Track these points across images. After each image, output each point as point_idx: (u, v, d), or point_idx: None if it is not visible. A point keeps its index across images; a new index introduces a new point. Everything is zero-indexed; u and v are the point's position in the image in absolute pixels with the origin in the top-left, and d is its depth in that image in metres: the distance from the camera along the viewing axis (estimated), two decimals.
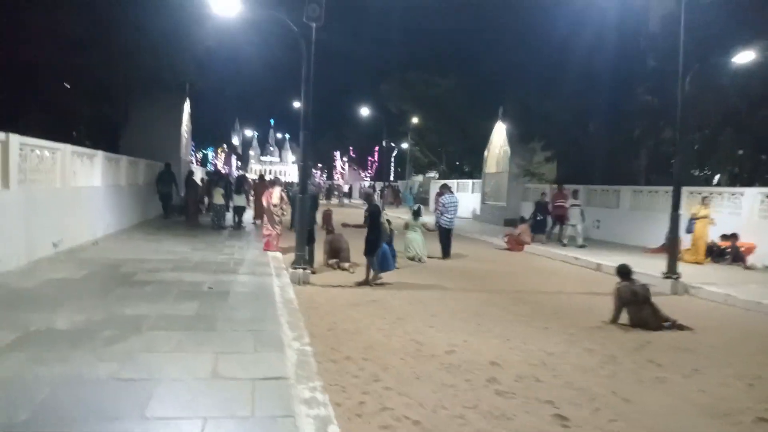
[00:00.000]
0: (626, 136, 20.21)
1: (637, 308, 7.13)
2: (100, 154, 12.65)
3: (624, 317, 7.24)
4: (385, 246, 9.53)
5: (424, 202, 38.52)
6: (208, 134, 57.78)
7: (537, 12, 22.28)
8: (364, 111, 39.25)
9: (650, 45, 18.33)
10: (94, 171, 12.43)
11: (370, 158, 61.69)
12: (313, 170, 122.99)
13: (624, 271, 7.42)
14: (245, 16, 10.78)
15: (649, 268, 10.65)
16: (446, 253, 13.55)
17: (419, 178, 52.22)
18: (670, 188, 16.69)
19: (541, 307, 8.26)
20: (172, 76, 20.17)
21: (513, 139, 25.21)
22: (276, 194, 11.97)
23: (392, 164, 55.15)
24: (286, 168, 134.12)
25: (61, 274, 7.93)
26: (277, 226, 12.05)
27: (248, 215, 19.39)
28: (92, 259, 9.35)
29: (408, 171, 48.67)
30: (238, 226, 17.11)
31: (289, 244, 13.18)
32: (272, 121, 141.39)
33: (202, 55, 20.86)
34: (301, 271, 8.74)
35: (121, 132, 21.19)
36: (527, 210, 23.57)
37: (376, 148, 56.49)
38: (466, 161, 32.61)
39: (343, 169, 72.64)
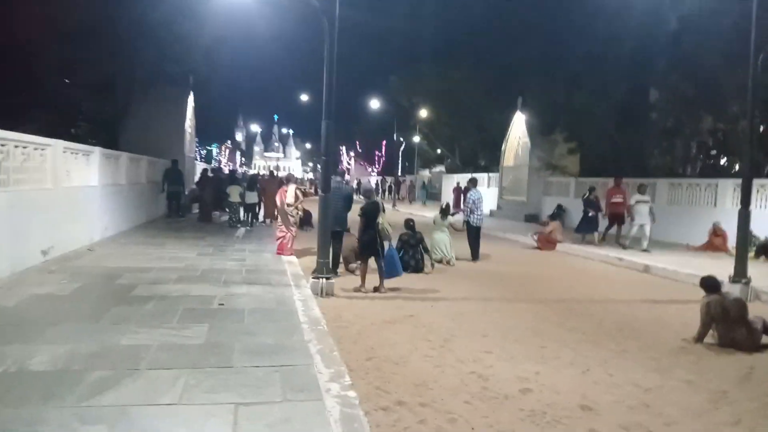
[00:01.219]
0: (658, 127, 18.95)
1: (728, 327, 5.99)
2: (96, 151, 11.56)
3: (708, 333, 6.13)
4: (392, 250, 8.40)
5: (434, 197, 37.36)
6: (213, 130, 56.84)
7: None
8: (373, 104, 38.07)
9: (684, 26, 17.04)
10: (90, 169, 11.35)
11: (377, 153, 60.50)
12: (340, 167, 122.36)
13: (711, 284, 6.27)
14: None
15: (702, 268, 9.48)
16: (476, 254, 12.42)
17: (426, 172, 51.05)
18: (712, 181, 15.62)
19: (601, 322, 7.12)
20: (176, 66, 19.07)
21: (533, 131, 24.03)
22: (291, 192, 10.85)
23: (400, 159, 54.02)
24: (290, 164, 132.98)
25: (47, 289, 6.84)
26: (292, 228, 10.93)
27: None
28: (86, 269, 8.26)
29: (416, 165, 47.49)
30: (251, 224, 16.61)
31: (304, 246, 12.14)
32: (276, 117, 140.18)
33: (207, 44, 19.74)
34: (323, 281, 7.62)
35: (121, 127, 20.08)
36: (550, 205, 22.39)
37: (384, 143, 55.36)
38: (482, 155, 31.41)
39: (349, 164, 71.45)
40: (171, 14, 16.54)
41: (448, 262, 11.47)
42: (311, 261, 10.42)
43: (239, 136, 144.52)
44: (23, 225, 7.84)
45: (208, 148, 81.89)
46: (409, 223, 10.70)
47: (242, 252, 11.05)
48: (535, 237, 14.87)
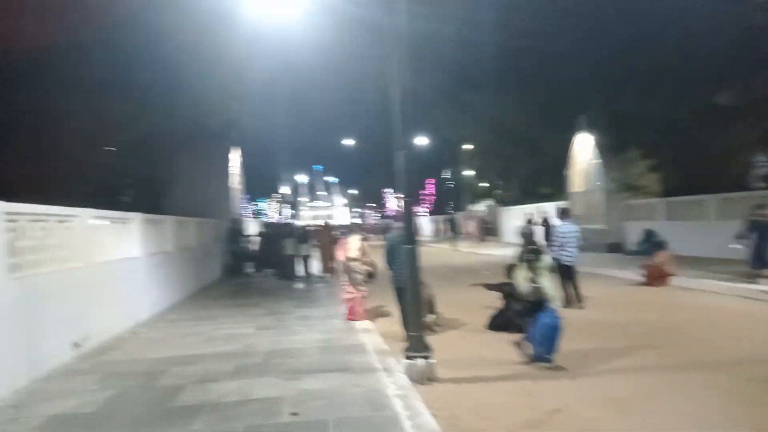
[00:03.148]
0: (755, 132, 16.50)
1: None
2: (137, 218, 10.26)
3: None
4: (555, 317, 6.32)
5: (491, 232, 34.99)
6: (259, 185, 56.86)
7: (615, 3, 19.13)
8: (418, 141, 36.67)
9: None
10: (130, 238, 10.02)
11: (421, 192, 58.95)
12: (364, 210, 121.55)
13: None
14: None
15: None
16: (579, 297, 10.32)
17: (481, 206, 48.90)
18: None
19: None
20: (216, 119, 18.11)
21: (603, 150, 21.83)
22: (354, 245, 9.15)
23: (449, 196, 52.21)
24: (337, 212, 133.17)
25: (70, 403, 5.25)
26: (361, 288, 9.18)
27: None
28: (124, 365, 6.68)
29: (465, 201, 45.42)
30: (308, 276, 16.20)
31: (373, 304, 10.37)
32: (321, 168, 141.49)
33: (245, 93, 18.78)
34: (422, 361, 5.76)
35: (164, 190, 19.17)
36: (634, 231, 19.92)
37: (432, 181, 53.78)
38: (542, 182, 29.22)
39: (398, 206, 70.06)
40: (206, 66, 15.61)
41: None
42: (390, 324, 8.66)
43: (285, 189, 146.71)
44: (45, 316, 6.39)
45: (256, 203, 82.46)
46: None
47: (307, 320, 9.34)
48: (643, 271, 12.59)
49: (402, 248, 8.17)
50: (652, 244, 18.70)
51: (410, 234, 5.90)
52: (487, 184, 45.08)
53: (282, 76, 23.66)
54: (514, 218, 31.38)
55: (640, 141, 19.41)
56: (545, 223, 22.79)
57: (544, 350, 6.19)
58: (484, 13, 23.34)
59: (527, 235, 7.52)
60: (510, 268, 8.71)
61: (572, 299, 10.28)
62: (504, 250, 24.81)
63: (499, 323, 8.32)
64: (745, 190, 16.05)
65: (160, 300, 11.07)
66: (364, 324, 8.65)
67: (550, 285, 9.46)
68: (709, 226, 16.93)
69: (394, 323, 8.74)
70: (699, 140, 16.94)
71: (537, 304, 6.26)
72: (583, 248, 10.58)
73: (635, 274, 13.19)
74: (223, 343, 7.68)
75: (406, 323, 8.00)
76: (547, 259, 10.08)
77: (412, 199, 6.00)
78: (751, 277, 10.96)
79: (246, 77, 17.67)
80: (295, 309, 10.59)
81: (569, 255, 10.13)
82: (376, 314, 9.89)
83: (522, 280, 8.86)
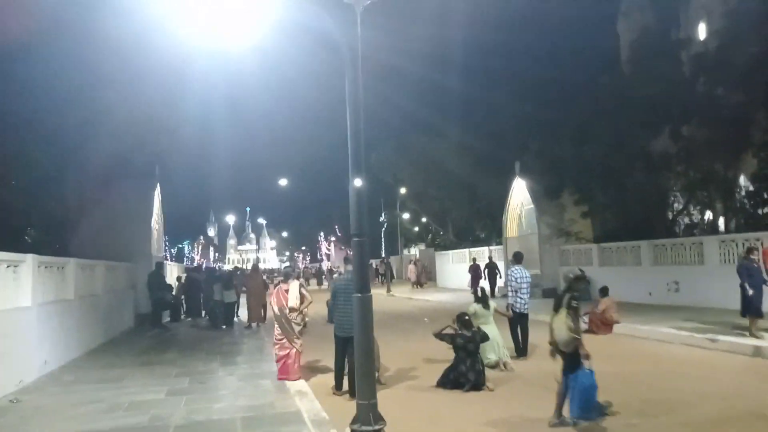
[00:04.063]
0: (685, 180, 17.05)
1: None
2: (28, 260, 8.71)
3: None
4: (591, 375, 5.50)
5: (430, 277, 34.51)
6: (184, 226, 54.18)
7: (554, 52, 19.73)
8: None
9: (700, 67, 15.60)
10: (19, 285, 8.46)
11: None
12: (295, 254, 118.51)
13: None
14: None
15: None
16: (524, 348, 9.72)
17: (414, 251, 48.59)
18: None
19: None
20: (139, 156, 16.60)
21: (538, 196, 22.01)
22: (294, 293, 8.07)
23: (382, 239, 51.71)
24: (265, 255, 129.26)
25: None
26: (297, 341, 8.08)
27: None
28: None
29: (401, 245, 45.01)
30: (230, 324, 15.17)
31: (312, 358, 9.30)
32: (248, 209, 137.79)
33: (174, 127, 17.45)
34: None
35: (73, 230, 17.20)
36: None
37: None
38: (478, 226, 29.26)
39: (328, 250, 68.79)
40: (131, 96, 14.31)
41: (504, 366, 8.70)
42: (326, 383, 7.63)
43: (211, 231, 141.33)
44: None
45: (180, 245, 78.45)
46: (464, 318, 7.96)
47: (229, 381, 8.07)
48: (585, 318, 12.22)
49: (351, 296, 7.32)
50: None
51: (363, 280, 4.99)
52: (417, 229, 44.92)
53: (216, 114, 22.55)
54: (450, 262, 31.11)
55: (575, 186, 19.67)
56: (489, 266, 22.15)
57: (583, 412, 5.43)
58: (422, 58, 23.48)
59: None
60: (461, 318, 8.00)
61: (524, 349, 9.67)
62: (441, 296, 24.25)
63: (451, 380, 7.48)
64: (677, 236, 16.41)
65: (53, 357, 9.41)
66: (299, 385, 7.53)
67: (495, 332, 8.82)
68: (642, 272, 17.13)
69: (331, 381, 7.71)
70: (633, 186, 17.32)
71: (574, 362, 5.48)
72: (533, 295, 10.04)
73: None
74: (125, 414, 6.31)
75: (352, 385, 7.02)
76: (493, 306, 9.51)
77: (364, 239, 5.12)
78: (744, 329, 9.88)
79: (176, 112, 16.48)
80: (217, 367, 9.24)
81: (524, 302, 9.56)
82: (311, 370, 8.80)
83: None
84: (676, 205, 18.24)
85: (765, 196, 15.11)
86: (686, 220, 18.05)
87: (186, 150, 22.59)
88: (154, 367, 9.36)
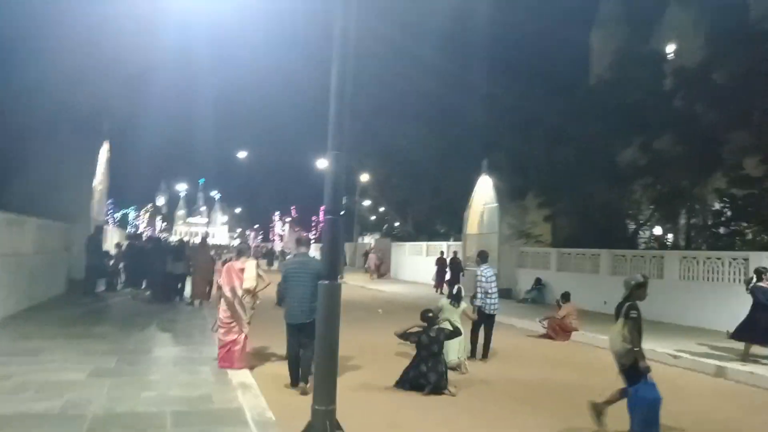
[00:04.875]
0: (651, 193, 17.01)
1: None
2: None
3: None
4: (655, 390, 4.97)
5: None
6: (132, 192, 51.66)
7: (531, 50, 19.34)
8: (315, 164, 35.09)
9: (679, 82, 15.51)
10: None
11: (314, 218, 57.13)
12: (247, 231, 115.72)
13: None
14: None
15: None
16: (486, 351, 9.26)
17: (370, 239, 47.98)
18: (738, 254, 13.29)
19: None
20: (85, 105, 15.15)
21: (502, 195, 21.69)
22: (251, 272, 7.21)
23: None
24: (216, 230, 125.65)
25: None
26: (246, 325, 7.27)
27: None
28: None
29: (356, 232, 44.33)
30: (179, 301, 14.35)
31: (260, 344, 8.52)
32: (202, 181, 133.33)
33: (129, 76, 16.01)
34: None
35: (6, 183, 15.66)
36: (525, 278, 19.76)
37: (323, 207, 52.18)
38: (439, 220, 28.87)
39: (282, 230, 67.35)
40: (83, 35, 12.90)
41: (460, 368, 8.17)
42: (275, 375, 6.92)
43: (161, 200, 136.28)
44: None
45: (125, 211, 75.04)
46: (428, 315, 7.32)
47: (163, 364, 7.20)
48: (545, 323, 11.91)
49: (302, 281, 6.59)
50: (541, 293, 18.76)
51: (332, 265, 4.26)
52: (375, 217, 44.16)
53: (180, 73, 21.10)
54: (406, 254, 30.64)
55: (540, 188, 19.43)
56: (454, 262, 21.15)
57: (646, 427, 4.92)
58: (397, 43, 22.66)
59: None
60: (425, 315, 7.38)
61: (486, 351, 9.20)
62: (395, 287, 23.75)
63: (410, 379, 6.88)
64: (637, 248, 16.36)
65: None
66: (242, 375, 6.74)
67: (462, 329, 8.30)
68: (599, 281, 17.02)
69: (279, 372, 6.98)
70: (599, 194, 17.17)
71: (633, 375, 4.93)
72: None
73: (534, 324, 12.56)
74: (36, 397, 5.39)
75: (303, 374, 6.35)
76: (463, 306, 8.98)
77: (338, 217, 4.40)
78: (706, 347, 9.61)
79: (131, 58, 14.97)
80: (151, 347, 8.32)
81: (493, 303, 9.06)
82: (257, 358, 8.02)
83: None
84: (639, 217, 18.22)
85: (728, 214, 15.20)
86: (647, 233, 18.08)
87: (141, 111, 20.99)
88: (80, 341, 8.35)
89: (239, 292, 7.17)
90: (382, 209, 40.69)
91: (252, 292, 7.16)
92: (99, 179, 20.03)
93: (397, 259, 31.74)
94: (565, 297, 12.13)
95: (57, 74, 13.20)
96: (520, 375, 8.26)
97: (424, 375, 6.77)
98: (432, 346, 6.87)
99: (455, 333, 7.32)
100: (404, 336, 7.18)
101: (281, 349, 7.28)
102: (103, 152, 20.10)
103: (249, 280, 7.11)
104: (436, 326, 7.25)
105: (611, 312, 5.36)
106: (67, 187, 16.86)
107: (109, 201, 29.73)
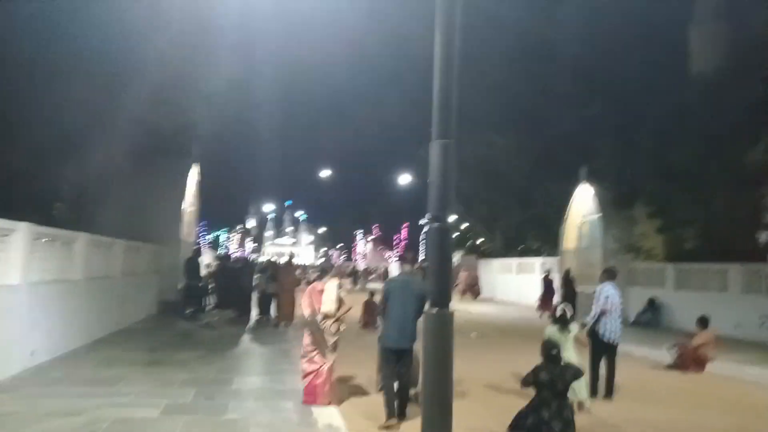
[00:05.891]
0: None
1: None
2: (21, 229, 7.32)
3: None
4: None
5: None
6: (224, 214, 53.69)
7: (630, 46, 17.45)
8: (398, 181, 34.44)
9: None
10: (7, 258, 7.08)
11: (396, 236, 56.55)
12: (330, 251, 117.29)
13: None
14: None
15: None
16: (611, 387, 7.75)
17: (455, 257, 46.50)
18: None
19: None
20: (175, 129, 15.28)
21: (606, 205, 19.76)
22: (331, 294, 6.35)
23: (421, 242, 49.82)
24: (302, 250, 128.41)
25: None
26: (330, 355, 6.38)
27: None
28: None
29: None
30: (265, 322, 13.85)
31: (346, 373, 7.62)
32: (289, 202, 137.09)
33: (213, 99, 16.04)
34: None
35: (101, 206, 16.06)
36: (637, 298, 17.61)
37: (405, 225, 51.56)
38: (530, 235, 27.06)
39: (365, 249, 67.33)
40: (170, 60, 12.96)
41: (580, 406, 6.76)
42: (362, 409, 5.97)
43: (251, 222, 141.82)
44: None
45: (217, 233, 78.36)
46: (553, 353, 6.02)
47: (243, 398, 6.45)
48: (676, 352, 10.12)
49: (407, 300, 5.83)
50: (655, 315, 16.62)
51: (442, 288, 3.25)
52: (458, 234, 42.58)
53: (264, 90, 21.21)
54: (494, 272, 29.01)
55: (650, 196, 17.38)
56: (566, 280, 18.35)
57: None
58: (485, 50, 21.45)
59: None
60: (551, 350, 6.08)
61: (599, 387, 7.72)
62: (483, 307, 22.24)
63: (529, 427, 5.62)
64: None
65: (45, 347, 8.02)
66: (329, 413, 5.83)
67: (577, 361, 6.89)
68: (728, 300, 14.74)
69: (369, 409, 6.01)
70: (723, 200, 14.96)
71: None
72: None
73: (656, 352, 10.81)
74: None
75: (401, 407, 5.37)
76: (574, 330, 7.59)
77: (445, 223, 3.39)
78: None
79: (219, 82, 14.97)
80: (233, 376, 7.64)
81: (615, 329, 7.60)
82: (344, 391, 7.09)
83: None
84: None
85: None
86: None
87: (230, 131, 21.23)
88: (160, 369, 7.84)
89: (318, 317, 6.31)
90: (464, 225, 39.11)
91: (331, 317, 6.27)
92: (189, 201, 20.34)
93: (484, 278, 30.13)
94: (703, 322, 10.20)
95: (143, 96, 13.33)
96: (659, 417, 6.73)
97: (547, 423, 5.46)
98: (556, 383, 5.59)
99: (578, 374, 5.95)
100: (528, 382, 5.84)
101: (366, 378, 6.34)
102: (193, 175, 20.42)
103: (327, 303, 6.24)
104: (562, 363, 5.93)
105: (745, 337, 3.97)
106: (156, 209, 17.09)
107: (202, 223, 30.58)
